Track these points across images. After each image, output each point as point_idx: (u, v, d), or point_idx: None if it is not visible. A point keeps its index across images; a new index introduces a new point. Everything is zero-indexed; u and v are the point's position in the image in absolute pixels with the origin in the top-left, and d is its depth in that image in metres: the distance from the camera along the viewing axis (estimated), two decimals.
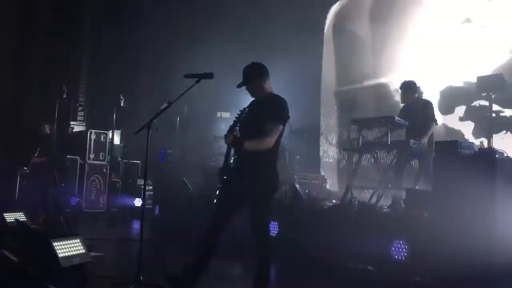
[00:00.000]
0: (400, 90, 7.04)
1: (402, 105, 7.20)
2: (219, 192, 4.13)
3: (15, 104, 10.94)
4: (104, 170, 11.10)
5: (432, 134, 6.85)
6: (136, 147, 11.25)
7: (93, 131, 11.17)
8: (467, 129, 8.84)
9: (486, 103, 6.83)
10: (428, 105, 7.04)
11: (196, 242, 4.15)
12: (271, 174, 4.02)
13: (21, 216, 6.69)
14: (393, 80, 9.80)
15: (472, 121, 8.79)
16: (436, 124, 6.94)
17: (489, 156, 4.66)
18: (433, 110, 7.07)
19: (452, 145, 5.06)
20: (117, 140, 12.79)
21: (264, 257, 3.92)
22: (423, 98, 7.31)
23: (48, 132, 9.46)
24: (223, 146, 4.59)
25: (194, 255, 4.10)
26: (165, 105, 4.36)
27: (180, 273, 4.06)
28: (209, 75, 4.17)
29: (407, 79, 7.17)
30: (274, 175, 4.04)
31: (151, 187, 10.08)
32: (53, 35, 11.22)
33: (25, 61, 11.11)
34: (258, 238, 3.92)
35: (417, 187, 6.42)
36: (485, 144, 7.02)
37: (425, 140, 6.45)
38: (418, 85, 7.13)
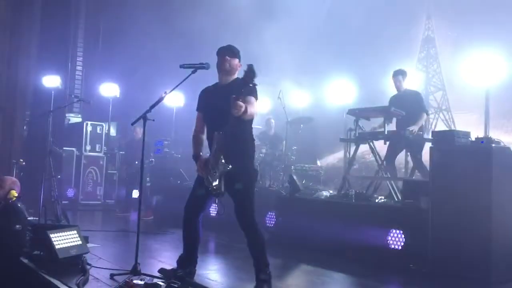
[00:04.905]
0: (397, 77, 6.98)
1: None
2: (194, 184, 4.13)
3: (8, 94, 10.87)
4: (101, 162, 11.10)
5: (422, 125, 6.86)
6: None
7: (89, 122, 11.14)
8: None
9: None
10: (419, 95, 7.05)
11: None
12: (251, 161, 4.02)
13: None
14: None
15: None
16: (428, 115, 6.94)
17: (486, 145, 4.67)
18: (424, 101, 7.08)
19: (449, 134, 5.07)
20: (113, 132, 12.77)
21: (257, 245, 3.91)
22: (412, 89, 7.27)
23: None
24: None
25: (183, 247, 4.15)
26: (161, 95, 4.33)
27: (176, 267, 4.10)
28: (205, 66, 4.14)
29: (401, 67, 7.13)
30: (253, 162, 4.05)
31: (148, 178, 10.07)
32: (49, 26, 11.12)
33: (19, 50, 11.02)
34: (246, 227, 3.90)
35: (413, 177, 6.45)
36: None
37: (415, 129, 6.45)
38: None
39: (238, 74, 4.09)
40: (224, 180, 3.76)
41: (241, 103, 3.57)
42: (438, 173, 4.91)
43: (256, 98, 3.89)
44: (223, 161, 3.75)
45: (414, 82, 9.83)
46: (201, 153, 4.07)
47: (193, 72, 4.17)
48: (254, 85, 3.70)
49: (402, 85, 6.93)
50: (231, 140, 3.77)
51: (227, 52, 4.03)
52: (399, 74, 6.95)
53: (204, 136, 4.16)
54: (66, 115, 11.98)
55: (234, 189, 3.88)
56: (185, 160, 10.38)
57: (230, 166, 3.73)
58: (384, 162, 6.70)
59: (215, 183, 3.73)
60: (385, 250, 5.24)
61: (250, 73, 3.58)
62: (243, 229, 3.92)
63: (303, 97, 11.26)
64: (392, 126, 6.88)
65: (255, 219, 3.99)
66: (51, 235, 4.43)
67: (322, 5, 10.75)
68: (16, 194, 4.87)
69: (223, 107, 3.70)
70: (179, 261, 4.14)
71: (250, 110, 3.71)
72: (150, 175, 10.04)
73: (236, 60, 4.06)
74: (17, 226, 4.45)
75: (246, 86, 3.60)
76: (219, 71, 4.07)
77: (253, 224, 3.93)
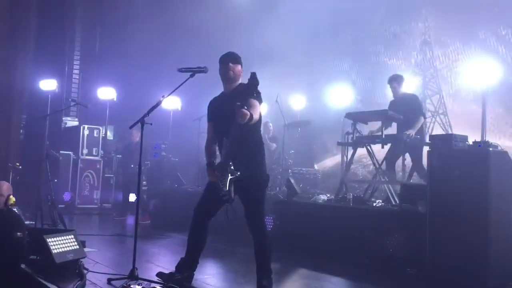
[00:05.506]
0: (392, 84, 7.02)
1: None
2: (206, 188, 4.13)
3: (5, 97, 10.82)
4: (98, 166, 11.07)
5: (422, 128, 6.88)
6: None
7: (86, 126, 11.12)
8: None
9: None
10: (416, 99, 7.07)
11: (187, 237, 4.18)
12: (263, 165, 4.05)
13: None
14: None
15: None
16: (425, 118, 6.95)
17: (483, 149, 4.67)
18: (421, 104, 7.10)
19: (446, 138, 5.07)
20: (110, 136, 12.75)
21: (264, 250, 3.92)
22: (409, 92, 7.30)
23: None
24: None
25: (184, 251, 4.15)
26: (159, 99, 4.33)
27: (174, 271, 4.09)
28: (203, 69, 4.14)
29: (396, 73, 7.18)
30: (264, 167, 4.07)
31: (145, 182, 10.05)
32: (45, 28, 11.11)
33: (16, 53, 11.00)
34: (255, 231, 3.93)
35: (411, 181, 6.45)
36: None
37: (412, 132, 6.46)
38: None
39: (242, 79, 4.09)
40: (234, 186, 3.77)
41: (245, 111, 3.58)
42: (436, 176, 4.91)
43: (260, 102, 3.90)
44: (232, 167, 3.75)
45: (410, 86, 9.87)
46: (214, 161, 4.05)
47: (191, 76, 4.17)
48: (258, 92, 3.73)
49: (398, 90, 6.98)
50: (238, 146, 3.78)
51: (230, 59, 4.04)
52: (393, 81, 7.00)
53: (216, 146, 4.16)
54: (63, 118, 11.96)
55: (244, 195, 3.90)
56: (182, 163, 10.38)
57: (238, 173, 3.74)
58: (384, 165, 6.71)
59: (225, 189, 3.74)
60: (382, 254, 5.23)
61: (254, 81, 3.59)
62: (252, 234, 3.94)
63: (300, 100, 11.27)
64: (393, 131, 6.91)
65: (265, 224, 4.08)
66: (48, 240, 4.40)
67: (320, 10, 10.75)
68: (14, 200, 4.85)
69: (229, 114, 3.71)
70: (178, 265, 4.13)
71: (255, 115, 3.73)
72: (147, 178, 10.02)
73: (239, 66, 4.07)
74: (19, 233, 4.40)
75: (249, 94, 3.62)
76: (223, 79, 4.09)
77: (262, 230, 3.97)
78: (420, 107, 6.98)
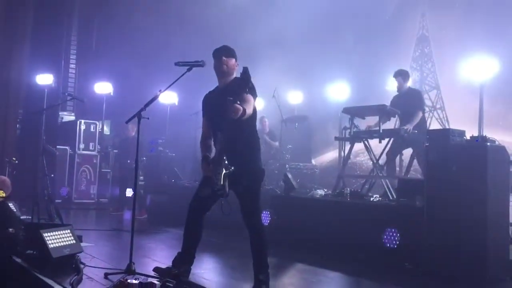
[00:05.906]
0: (397, 78, 7.01)
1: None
2: (200, 182, 4.12)
3: (1, 92, 10.77)
4: (94, 161, 11.05)
5: (425, 123, 6.88)
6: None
7: (83, 121, 11.08)
8: None
9: None
10: (418, 94, 7.09)
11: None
12: (258, 160, 4.02)
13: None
14: None
15: None
16: (423, 113, 6.96)
17: (480, 144, 4.67)
18: (422, 99, 7.10)
19: (444, 133, 5.07)
20: (106, 130, 12.72)
21: (260, 245, 3.92)
22: (414, 88, 7.33)
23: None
24: None
25: (181, 246, 4.13)
26: (156, 94, 4.31)
27: (171, 266, 4.08)
28: (201, 63, 4.11)
29: (402, 68, 7.18)
30: (259, 161, 4.05)
31: (142, 177, 10.03)
32: (42, 22, 11.03)
33: (12, 48, 10.93)
34: (251, 226, 3.92)
35: (408, 176, 6.45)
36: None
37: (410, 127, 6.45)
38: None
39: (237, 73, 4.06)
40: (229, 180, 3.76)
41: (238, 106, 3.56)
42: (433, 171, 4.91)
43: (254, 96, 3.86)
44: (226, 162, 3.74)
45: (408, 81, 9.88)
46: (208, 155, 4.03)
47: (188, 70, 4.14)
48: (252, 87, 3.70)
49: (403, 85, 6.96)
50: (232, 140, 3.76)
51: (223, 53, 4.00)
52: (398, 76, 6.99)
53: (211, 141, 4.13)
54: (60, 113, 11.91)
55: (239, 189, 3.89)
56: (179, 158, 10.36)
57: (232, 168, 3.72)
58: (386, 158, 6.72)
59: (220, 183, 3.73)
60: (380, 249, 5.23)
61: (246, 75, 3.56)
62: (248, 228, 3.94)
63: (298, 95, 11.25)
64: (390, 125, 6.90)
65: (261, 219, 4.07)
66: (44, 234, 4.38)
67: (320, 4, 10.71)
68: (3, 195, 4.77)
69: (223, 109, 3.66)
70: (175, 259, 4.11)
71: (248, 110, 3.70)
72: (144, 173, 10.00)
73: (233, 60, 4.03)
74: (10, 229, 4.36)
75: (242, 88, 3.59)
76: (217, 73, 4.05)
77: (257, 224, 3.96)
78: (421, 102, 6.96)
